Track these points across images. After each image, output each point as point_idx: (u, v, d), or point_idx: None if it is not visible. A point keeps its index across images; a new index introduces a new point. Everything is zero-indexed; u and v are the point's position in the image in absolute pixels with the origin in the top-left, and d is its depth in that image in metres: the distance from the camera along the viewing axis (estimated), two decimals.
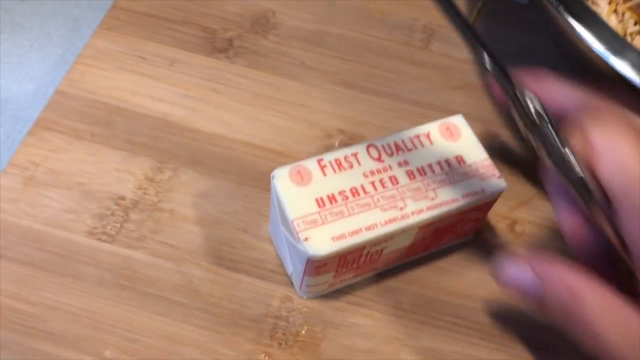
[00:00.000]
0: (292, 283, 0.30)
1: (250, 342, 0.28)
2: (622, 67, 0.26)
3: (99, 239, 0.30)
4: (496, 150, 0.35)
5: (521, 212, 0.33)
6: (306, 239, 0.25)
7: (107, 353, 0.27)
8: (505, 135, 0.36)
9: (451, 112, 0.36)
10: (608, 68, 0.26)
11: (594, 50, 0.26)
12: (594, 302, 0.21)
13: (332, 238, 0.26)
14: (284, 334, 0.29)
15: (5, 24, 0.42)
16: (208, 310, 0.29)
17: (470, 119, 0.36)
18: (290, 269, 0.29)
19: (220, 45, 0.38)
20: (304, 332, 0.29)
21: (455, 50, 0.39)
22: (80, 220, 0.31)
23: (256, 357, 0.28)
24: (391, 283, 0.30)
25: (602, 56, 0.26)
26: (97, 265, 0.30)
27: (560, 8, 0.26)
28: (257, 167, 0.33)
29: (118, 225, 0.31)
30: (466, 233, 0.31)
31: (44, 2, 0.43)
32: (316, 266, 0.26)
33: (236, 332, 0.28)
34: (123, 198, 0.32)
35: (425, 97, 0.37)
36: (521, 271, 0.23)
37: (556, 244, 0.32)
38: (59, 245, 0.30)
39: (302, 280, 0.28)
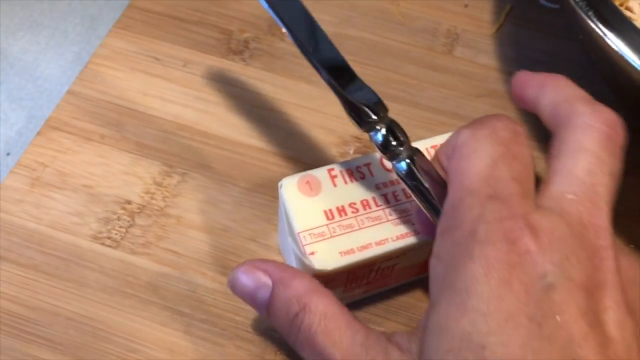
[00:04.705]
0: None
1: (253, 356, 0.27)
2: None
3: (103, 244, 0.30)
4: None
5: None
6: (312, 253, 0.24)
7: None
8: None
9: None
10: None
11: (626, 58, 0.25)
12: (321, 312, 0.21)
13: (340, 252, 0.24)
14: (289, 352, 0.27)
15: (23, 21, 0.42)
16: (211, 322, 0.28)
17: None
18: None
19: (236, 47, 0.37)
20: None
21: (480, 56, 0.38)
22: (85, 224, 0.30)
23: None
24: (403, 299, 0.29)
25: (635, 65, 0.24)
26: (100, 270, 0.29)
27: (591, 14, 0.25)
28: (268, 173, 0.32)
29: (123, 230, 0.30)
30: None
31: (61, 0, 0.43)
32: (323, 281, 0.25)
33: (239, 345, 0.27)
34: (129, 202, 0.31)
35: (446, 105, 0.35)
36: (251, 273, 0.23)
37: None
38: (62, 248, 0.29)
39: None
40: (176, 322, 0.28)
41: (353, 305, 0.29)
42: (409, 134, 0.34)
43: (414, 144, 0.28)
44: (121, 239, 0.30)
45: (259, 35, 0.37)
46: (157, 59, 0.36)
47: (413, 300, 0.29)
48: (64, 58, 0.40)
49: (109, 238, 0.30)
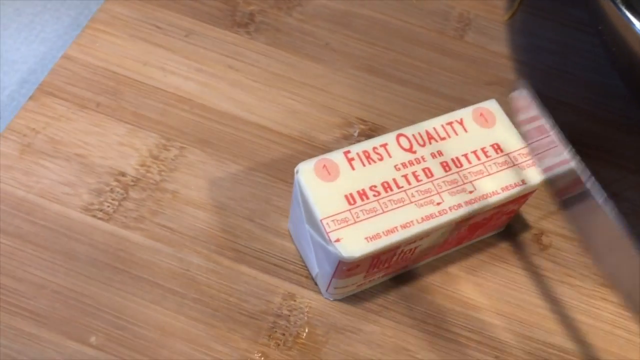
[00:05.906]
0: (316, 284, 0.28)
1: (246, 340, 0.26)
2: None
3: (95, 216, 0.28)
4: None
5: (549, 223, 0.31)
6: (338, 240, 0.23)
7: (93, 339, 0.26)
8: None
9: None
10: None
11: None
12: None
13: (367, 238, 0.23)
14: (283, 334, 0.26)
15: None
16: (204, 302, 0.27)
17: None
18: (315, 270, 0.27)
19: (241, 20, 0.35)
20: (304, 334, 0.27)
21: (491, 43, 0.37)
22: (77, 195, 0.29)
23: (251, 357, 0.26)
24: (405, 290, 0.28)
25: None
26: (90, 244, 0.28)
27: (619, 1, 0.23)
28: (269, 152, 0.31)
29: (116, 203, 0.29)
30: (498, 226, 0.29)
31: None
32: (348, 268, 0.24)
33: (232, 328, 0.26)
34: (124, 174, 0.30)
35: (454, 91, 0.34)
36: None
37: (584, 259, 0.30)
38: (51, 219, 0.28)
39: (330, 282, 0.26)
40: (167, 301, 0.27)
41: (357, 294, 0.28)
42: (415, 118, 0.33)
43: (429, 122, 0.27)
44: (113, 212, 0.29)
45: (265, 8, 0.36)
46: (158, 27, 0.34)
47: (414, 290, 0.28)
48: (60, 21, 0.39)
49: (101, 210, 0.29)
